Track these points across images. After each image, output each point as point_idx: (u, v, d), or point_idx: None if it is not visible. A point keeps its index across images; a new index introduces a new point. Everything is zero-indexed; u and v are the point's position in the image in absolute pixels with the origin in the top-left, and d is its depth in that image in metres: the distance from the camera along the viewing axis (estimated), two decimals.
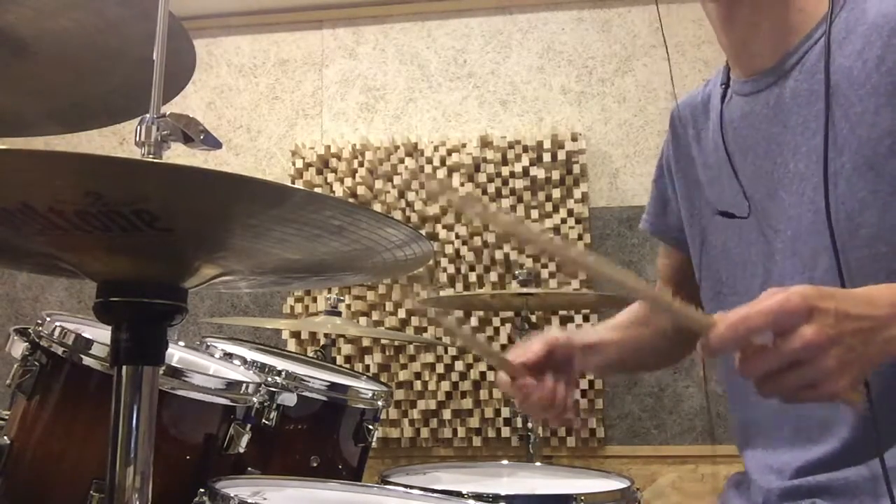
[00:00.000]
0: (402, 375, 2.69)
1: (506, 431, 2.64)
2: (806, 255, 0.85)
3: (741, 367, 0.67)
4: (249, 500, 0.92)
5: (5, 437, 1.06)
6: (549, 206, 2.74)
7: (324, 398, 1.39)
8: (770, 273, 0.90)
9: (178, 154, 0.95)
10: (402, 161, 2.82)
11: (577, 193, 2.74)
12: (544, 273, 2.69)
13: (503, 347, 2.65)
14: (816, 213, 0.83)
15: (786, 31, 0.88)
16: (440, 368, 2.69)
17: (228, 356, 1.38)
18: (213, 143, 0.74)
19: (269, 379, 1.30)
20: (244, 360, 1.35)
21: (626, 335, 1.16)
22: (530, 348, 1.01)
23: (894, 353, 0.70)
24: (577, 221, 2.73)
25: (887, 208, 0.79)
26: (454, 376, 2.67)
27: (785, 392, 0.67)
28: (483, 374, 2.66)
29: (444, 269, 2.73)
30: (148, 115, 0.73)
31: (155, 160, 0.70)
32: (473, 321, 2.68)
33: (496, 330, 2.67)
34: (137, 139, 0.72)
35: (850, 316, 0.66)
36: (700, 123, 1.03)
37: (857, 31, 0.82)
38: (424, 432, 2.68)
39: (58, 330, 1.06)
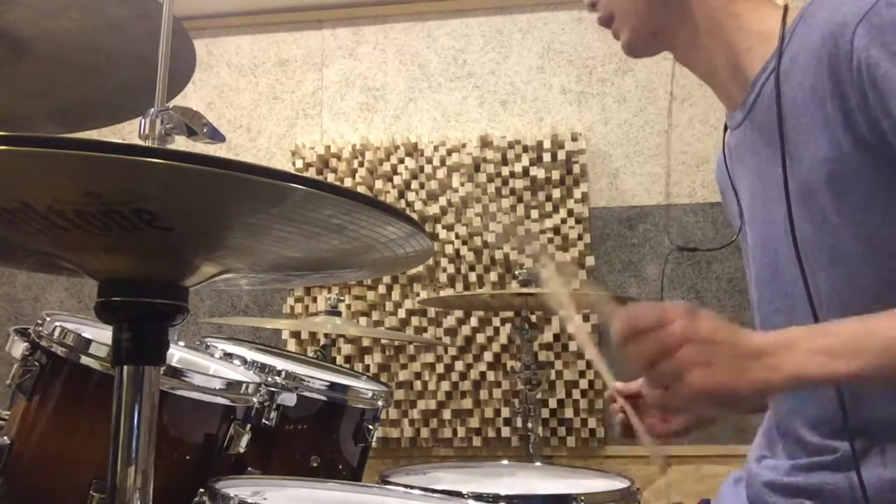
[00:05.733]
0: (402, 375, 2.69)
1: (506, 431, 2.64)
2: (786, 278, 0.88)
3: (627, 354, 0.73)
4: (249, 500, 0.92)
5: (5, 437, 1.06)
6: (549, 206, 2.74)
7: (324, 398, 1.39)
8: (760, 297, 0.95)
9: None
10: (401, 161, 2.82)
11: (577, 193, 2.74)
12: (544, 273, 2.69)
13: (504, 348, 2.66)
14: (786, 237, 0.86)
15: (740, 70, 0.92)
16: (440, 368, 2.69)
17: (228, 356, 1.38)
18: (216, 136, 0.74)
19: (269, 379, 1.30)
20: (244, 360, 1.35)
21: None
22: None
23: (771, 384, 0.72)
24: (577, 221, 2.73)
25: (836, 232, 0.81)
26: (454, 376, 2.67)
27: (656, 381, 0.72)
28: (483, 374, 2.66)
29: (444, 269, 2.73)
30: (152, 109, 0.72)
31: (154, 159, 0.70)
32: (473, 321, 2.68)
33: (496, 330, 2.67)
34: (142, 132, 0.72)
35: (725, 329, 0.72)
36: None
37: (798, 61, 0.84)
38: (424, 432, 2.68)
39: (58, 330, 1.06)
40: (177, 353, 1.30)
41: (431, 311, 2.71)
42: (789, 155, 0.84)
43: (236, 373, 1.28)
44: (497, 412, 2.65)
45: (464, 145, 2.80)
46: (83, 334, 1.05)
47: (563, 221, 2.73)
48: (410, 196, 2.79)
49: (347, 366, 2.58)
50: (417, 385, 2.69)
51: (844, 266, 0.81)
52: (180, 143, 0.75)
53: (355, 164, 2.84)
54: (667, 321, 0.71)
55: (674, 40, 0.96)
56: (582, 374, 2.63)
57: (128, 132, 2.78)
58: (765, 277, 0.92)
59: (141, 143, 0.71)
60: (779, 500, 0.88)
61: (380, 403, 1.49)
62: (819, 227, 0.82)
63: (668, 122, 2.78)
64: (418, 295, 2.72)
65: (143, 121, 0.72)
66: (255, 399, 1.19)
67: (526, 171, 2.76)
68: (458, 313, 2.70)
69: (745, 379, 0.71)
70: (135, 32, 0.99)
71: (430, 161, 2.80)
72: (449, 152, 2.79)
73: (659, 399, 0.72)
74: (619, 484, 1.32)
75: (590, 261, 2.68)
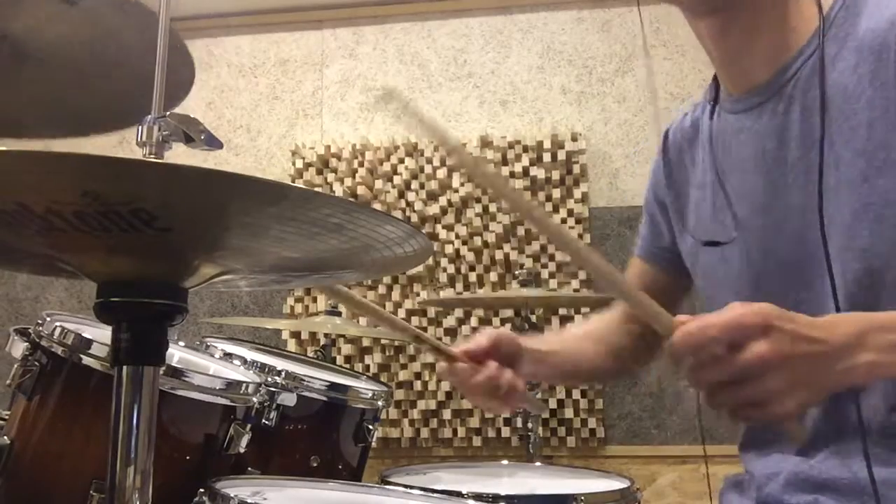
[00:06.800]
0: (402, 375, 2.69)
1: (506, 431, 2.64)
2: (804, 268, 0.86)
3: (690, 375, 0.68)
4: (249, 500, 0.92)
5: (5, 437, 1.06)
6: (549, 206, 2.74)
7: (324, 398, 1.39)
8: (760, 289, 0.91)
9: (179, 154, 0.95)
10: (401, 161, 2.82)
11: (577, 193, 2.74)
12: (544, 273, 2.69)
13: None
14: (813, 227, 0.83)
15: (779, 48, 0.89)
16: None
17: (228, 356, 1.38)
18: (214, 143, 0.74)
19: (269, 379, 1.30)
20: (244, 360, 1.35)
21: (577, 349, 1.16)
22: (475, 340, 1.02)
23: (849, 384, 0.71)
24: (577, 221, 2.73)
25: (880, 221, 0.79)
26: None
27: (730, 406, 0.68)
28: None
29: (444, 269, 2.73)
30: (149, 116, 0.73)
31: (150, 160, 0.70)
32: (473, 321, 2.68)
33: None
34: (139, 139, 0.73)
35: (806, 339, 0.67)
36: (693, 146, 1.05)
37: (847, 46, 0.83)
38: (424, 432, 2.68)
39: (58, 330, 1.06)
40: (177, 353, 1.30)
41: (431, 311, 2.71)
42: (830, 140, 0.82)
43: (236, 373, 1.28)
44: None
45: (464, 145, 2.79)
46: (83, 334, 1.05)
47: (563, 221, 2.72)
48: (410, 196, 2.79)
49: (347, 366, 2.58)
50: (417, 385, 2.69)
51: (882, 258, 0.79)
52: (179, 148, 0.75)
53: (355, 164, 2.84)
54: (740, 342, 0.65)
55: (740, 5, 0.89)
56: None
57: (127, 132, 2.77)
58: (788, 265, 0.88)
59: (139, 148, 0.71)
60: (793, 497, 0.86)
61: (380, 403, 1.49)
62: (858, 218, 0.80)
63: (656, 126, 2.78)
64: (418, 295, 2.72)
65: (140, 128, 0.72)
66: (255, 399, 1.19)
67: (526, 172, 2.76)
68: (458, 313, 2.70)
69: (824, 388, 0.69)
70: (133, 40, 0.99)
71: (430, 161, 2.80)
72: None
73: (728, 415, 0.68)
74: (619, 484, 1.31)
75: None
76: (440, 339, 2.65)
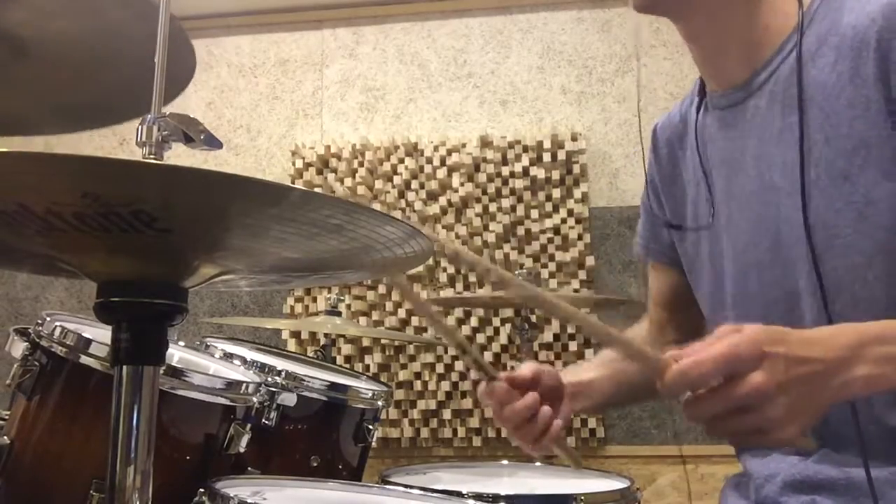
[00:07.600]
0: (402, 375, 2.69)
1: (506, 431, 2.64)
2: (786, 266, 0.86)
3: (687, 408, 0.67)
4: (249, 500, 0.92)
5: (5, 437, 1.06)
6: (549, 206, 2.74)
7: (324, 398, 1.39)
8: (745, 285, 0.91)
9: (179, 154, 0.95)
10: (401, 161, 2.82)
11: (577, 193, 2.74)
12: (544, 273, 2.69)
13: (504, 348, 2.66)
14: (792, 224, 0.83)
15: (753, 47, 0.89)
16: (440, 368, 2.69)
17: (228, 356, 1.38)
18: (213, 143, 0.74)
19: (269, 379, 1.30)
20: (244, 360, 1.35)
21: (614, 370, 1.14)
22: (518, 370, 1.00)
23: (847, 397, 0.72)
24: (577, 221, 2.73)
25: (861, 219, 0.79)
26: (454, 376, 2.67)
27: (732, 435, 0.69)
28: None
29: (444, 269, 2.73)
30: (149, 116, 0.73)
31: (150, 161, 0.70)
32: (473, 321, 2.68)
33: (496, 330, 2.67)
34: (139, 139, 0.73)
35: (801, 360, 0.67)
36: (683, 140, 1.05)
37: (828, 42, 0.82)
38: (424, 432, 2.68)
39: (58, 330, 1.06)
40: (177, 353, 1.30)
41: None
42: (811, 138, 0.81)
43: (236, 373, 1.29)
44: None
45: (464, 145, 2.80)
46: (83, 334, 1.05)
47: (563, 221, 2.73)
48: (410, 196, 2.79)
49: (347, 366, 2.58)
50: (417, 385, 2.69)
51: (864, 255, 0.79)
52: (179, 148, 0.75)
53: (355, 164, 2.85)
54: (736, 373, 0.65)
55: (699, 4, 0.89)
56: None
57: (128, 132, 2.77)
58: (763, 264, 0.89)
59: (138, 148, 0.71)
60: (790, 498, 0.86)
61: (380, 403, 1.49)
62: (840, 216, 0.80)
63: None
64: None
65: (140, 128, 0.72)
66: (255, 399, 1.19)
67: (526, 171, 2.76)
68: (458, 313, 2.70)
69: (823, 405, 0.69)
70: (134, 34, 0.99)
71: (430, 161, 2.80)
72: (449, 152, 2.79)
73: (730, 441, 0.69)
74: (619, 484, 1.32)
75: (590, 261, 2.68)
76: (439, 339, 2.66)
